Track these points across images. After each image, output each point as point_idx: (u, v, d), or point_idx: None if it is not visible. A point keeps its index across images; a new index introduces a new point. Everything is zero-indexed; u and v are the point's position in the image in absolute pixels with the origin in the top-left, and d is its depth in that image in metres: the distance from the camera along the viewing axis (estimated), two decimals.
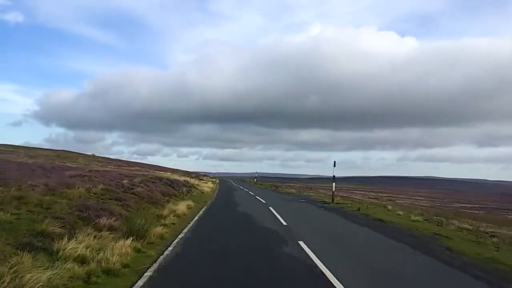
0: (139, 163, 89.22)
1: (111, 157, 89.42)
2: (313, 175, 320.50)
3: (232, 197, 32.61)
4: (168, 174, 38.77)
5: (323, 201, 31.06)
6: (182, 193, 27.52)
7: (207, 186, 42.31)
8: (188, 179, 39.65)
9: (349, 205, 28.14)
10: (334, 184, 32.21)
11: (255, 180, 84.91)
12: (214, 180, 70.44)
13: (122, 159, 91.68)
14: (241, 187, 57.58)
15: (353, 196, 61.22)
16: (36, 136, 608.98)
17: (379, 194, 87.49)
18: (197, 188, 35.75)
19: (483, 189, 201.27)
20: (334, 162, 31.58)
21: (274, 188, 61.55)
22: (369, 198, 60.53)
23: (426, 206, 55.07)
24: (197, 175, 69.05)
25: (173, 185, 28.63)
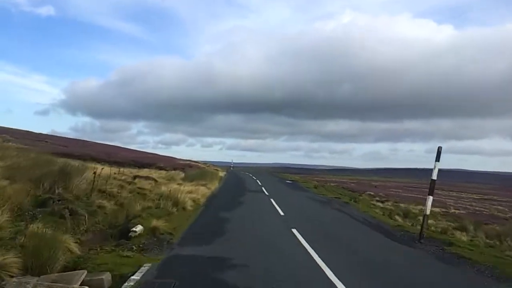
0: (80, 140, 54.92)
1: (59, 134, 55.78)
2: (332, 166, 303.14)
3: None
4: None
5: None
6: None
7: None
8: None
9: None
10: None
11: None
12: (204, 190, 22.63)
13: (61, 136, 56.97)
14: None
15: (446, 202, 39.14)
16: (62, 124, 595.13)
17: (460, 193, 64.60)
18: None
19: None
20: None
21: None
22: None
23: None
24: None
25: None
